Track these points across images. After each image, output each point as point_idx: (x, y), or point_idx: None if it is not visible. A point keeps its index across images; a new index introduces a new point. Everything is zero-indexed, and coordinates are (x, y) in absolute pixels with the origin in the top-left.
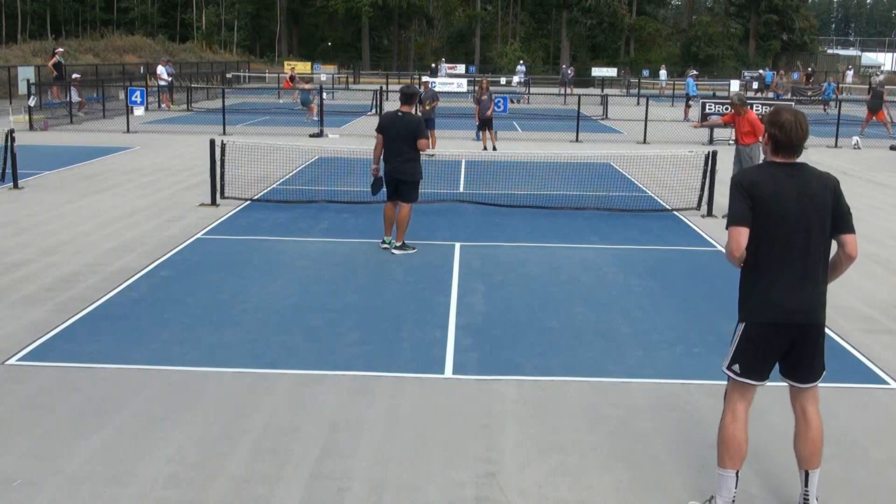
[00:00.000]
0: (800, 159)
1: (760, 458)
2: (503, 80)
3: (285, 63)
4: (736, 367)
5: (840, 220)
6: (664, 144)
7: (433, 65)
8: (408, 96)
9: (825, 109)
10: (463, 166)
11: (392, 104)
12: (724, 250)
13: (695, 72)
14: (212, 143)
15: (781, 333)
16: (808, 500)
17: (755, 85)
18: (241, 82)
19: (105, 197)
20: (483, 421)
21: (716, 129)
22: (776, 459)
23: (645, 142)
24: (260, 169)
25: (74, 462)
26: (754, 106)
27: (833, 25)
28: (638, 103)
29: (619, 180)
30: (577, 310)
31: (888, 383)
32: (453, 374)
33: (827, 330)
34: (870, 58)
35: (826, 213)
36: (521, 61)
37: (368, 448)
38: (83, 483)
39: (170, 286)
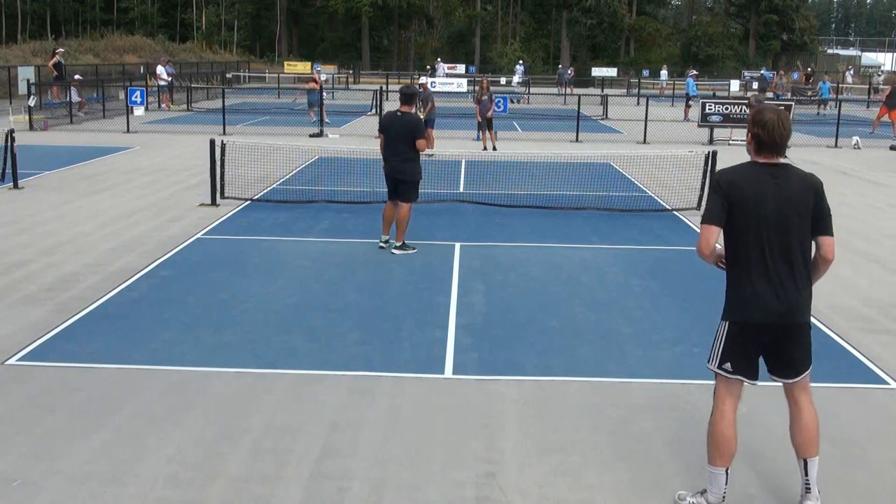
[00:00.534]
0: (788, 160)
1: (760, 459)
2: (503, 81)
3: (285, 63)
4: (728, 364)
5: (819, 222)
6: (664, 144)
7: (428, 67)
8: (407, 96)
9: (819, 111)
10: (463, 166)
11: (392, 104)
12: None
13: (695, 72)
14: (212, 143)
15: (762, 332)
16: (809, 488)
17: (755, 85)
18: (241, 82)
19: (105, 197)
20: (483, 421)
21: (716, 129)
22: (776, 460)
23: (645, 142)
24: (260, 169)
25: (74, 462)
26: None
27: (833, 25)
28: (638, 103)
29: (619, 180)
30: (577, 310)
31: (887, 383)
32: (453, 374)
33: (826, 330)
34: (870, 58)
35: (806, 213)
36: (521, 61)
37: (368, 448)
38: (83, 483)
39: (170, 286)
